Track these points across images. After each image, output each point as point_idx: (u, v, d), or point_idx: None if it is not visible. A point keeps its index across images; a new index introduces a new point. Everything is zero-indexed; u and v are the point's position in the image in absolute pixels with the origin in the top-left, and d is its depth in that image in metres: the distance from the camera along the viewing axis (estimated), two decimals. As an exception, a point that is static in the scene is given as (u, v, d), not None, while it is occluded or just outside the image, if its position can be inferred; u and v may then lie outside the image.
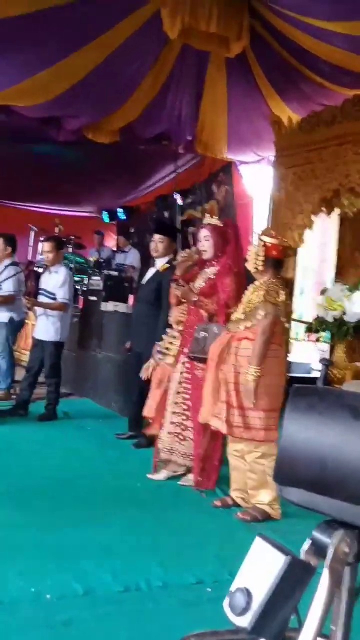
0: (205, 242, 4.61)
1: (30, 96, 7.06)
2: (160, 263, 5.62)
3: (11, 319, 7.21)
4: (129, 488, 4.55)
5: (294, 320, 6.74)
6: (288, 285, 5.30)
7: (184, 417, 4.61)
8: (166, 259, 5.59)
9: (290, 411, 1.03)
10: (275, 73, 6.94)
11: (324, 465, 0.96)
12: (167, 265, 5.12)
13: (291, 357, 5.68)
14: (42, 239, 8.76)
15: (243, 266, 4.45)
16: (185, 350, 4.61)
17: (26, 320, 8.51)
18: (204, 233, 4.65)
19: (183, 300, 4.71)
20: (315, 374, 7.43)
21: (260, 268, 4.09)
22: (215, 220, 4.73)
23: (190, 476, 4.61)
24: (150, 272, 5.77)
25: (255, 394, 3.95)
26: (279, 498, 3.95)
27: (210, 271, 4.62)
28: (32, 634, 2.51)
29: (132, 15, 6.22)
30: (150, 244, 5.65)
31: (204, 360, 4.39)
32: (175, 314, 4.88)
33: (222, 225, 4.70)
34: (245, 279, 4.54)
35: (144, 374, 5.09)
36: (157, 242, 5.54)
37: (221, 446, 4.50)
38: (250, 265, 4.16)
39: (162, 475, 4.76)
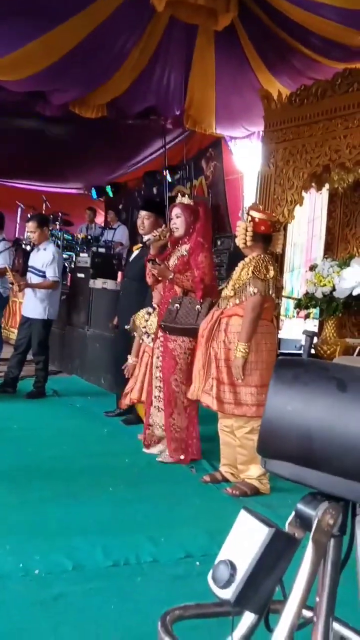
0: (177, 219, 4.69)
1: (17, 69, 6.95)
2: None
3: None
4: (118, 464, 4.56)
5: (284, 296, 6.73)
6: (278, 261, 5.29)
7: (160, 389, 4.67)
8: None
9: (275, 383, 1.01)
10: (265, 46, 6.86)
11: (309, 438, 0.95)
12: (140, 245, 5.15)
13: (281, 334, 5.67)
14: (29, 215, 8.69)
15: (212, 242, 4.54)
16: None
17: (14, 298, 8.45)
18: (175, 212, 4.72)
19: (159, 278, 4.76)
20: (305, 350, 7.42)
21: (249, 243, 4.07)
22: (186, 199, 4.81)
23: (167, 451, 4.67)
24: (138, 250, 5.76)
25: (244, 370, 3.95)
26: (268, 473, 3.96)
27: (183, 249, 4.70)
28: (21, 609, 2.52)
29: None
30: (137, 220, 5.64)
31: (173, 330, 4.54)
32: (156, 296, 4.95)
33: (192, 203, 4.76)
34: (211, 253, 4.62)
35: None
36: (144, 218, 5.54)
37: (195, 418, 4.59)
38: (239, 241, 4.14)
39: (156, 449, 4.80)
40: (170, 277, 4.62)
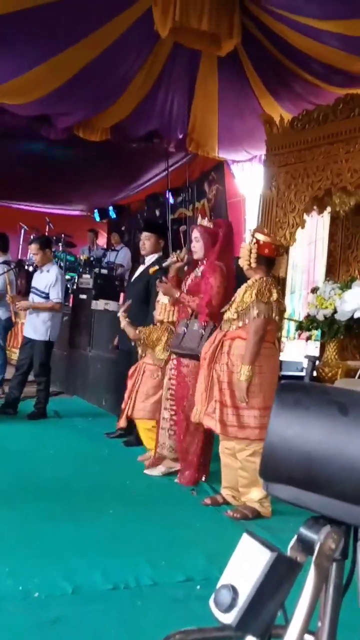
0: (196, 243, 4.68)
1: (22, 94, 7.03)
2: (149, 260, 5.64)
3: None
4: (119, 486, 4.54)
5: (286, 318, 6.74)
6: (280, 284, 5.30)
7: (172, 413, 4.66)
8: (155, 256, 5.62)
9: (277, 407, 1.02)
10: (267, 71, 6.93)
11: (310, 461, 0.96)
12: (157, 267, 5.17)
13: (283, 356, 5.68)
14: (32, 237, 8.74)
15: (232, 264, 4.51)
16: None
17: (17, 319, 8.48)
18: (194, 234, 4.72)
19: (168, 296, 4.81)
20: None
21: (252, 265, 4.09)
22: (206, 222, 4.78)
23: (162, 468, 4.70)
24: (139, 270, 5.78)
25: (248, 393, 3.95)
26: (269, 496, 3.94)
27: (200, 270, 4.70)
28: (20, 631, 2.50)
29: (124, 12, 6.20)
30: (139, 241, 5.69)
31: (181, 355, 4.56)
32: (157, 312, 5.00)
33: (213, 226, 4.74)
34: (234, 277, 4.59)
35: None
36: (145, 239, 5.59)
37: (203, 443, 4.57)
38: (243, 263, 4.16)
39: (156, 471, 4.79)
40: (176, 296, 4.62)
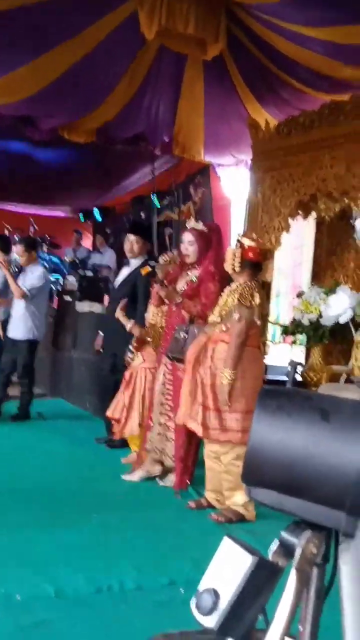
0: (190, 247, 4.61)
1: (6, 94, 7.00)
2: (136, 263, 5.63)
3: None
4: (103, 489, 4.54)
5: (270, 322, 6.76)
6: (265, 288, 5.32)
7: (167, 418, 4.63)
8: (141, 259, 5.61)
9: (259, 412, 1.03)
10: (253, 76, 6.96)
11: (292, 466, 0.97)
12: (149, 268, 5.15)
13: (268, 360, 5.69)
14: (17, 238, 8.71)
15: (223, 269, 4.48)
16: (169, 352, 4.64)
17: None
18: (188, 237, 4.64)
19: (166, 301, 4.73)
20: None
21: (237, 270, 4.11)
22: (200, 226, 4.71)
23: (172, 476, 4.62)
24: (125, 272, 5.77)
25: (230, 397, 3.96)
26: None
27: (193, 275, 4.63)
28: (2, 635, 2.49)
29: (109, 15, 6.19)
30: (125, 244, 5.66)
31: (182, 361, 4.42)
32: (150, 315, 4.94)
33: (207, 230, 4.69)
34: (227, 282, 4.58)
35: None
36: (133, 242, 5.56)
37: (196, 448, 4.53)
38: (227, 267, 4.17)
39: (136, 476, 4.76)
40: (179, 300, 4.56)
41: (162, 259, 4.83)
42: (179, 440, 4.52)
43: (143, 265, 5.50)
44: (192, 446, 4.53)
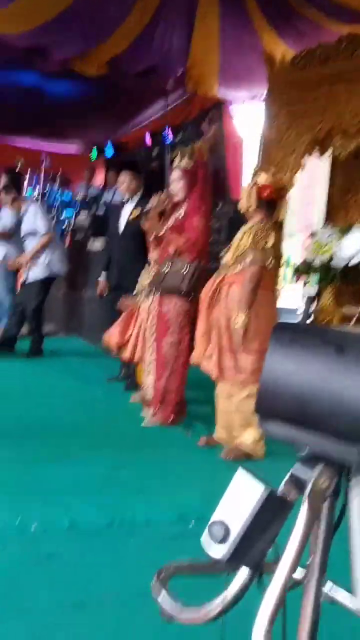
0: (177, 183, 4.66)
1: (17, 22, 6.82)
2: (136, 200, 5.64)
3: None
4: (116, 426, 4.59)
5: (285, 264, 6.70)
6: (278, 228, 5.23)
7: (151, 351, 4.69)
8: (138, 195, 5.64)
9: (273, 345, 1.01)
10: (271, 6, 6.73)
11: (305, 398, 0.96)
12: (137, 213, 5.15)
13: (280, 303, 5.65)
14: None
15: (211, 204, 4.59)
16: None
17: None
18: (174, 176, 4.70)
19: (151, 232, 4.78)
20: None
21: (252, 208, 4.04)
22: (185, 163, 4.72)
23: (149, 410, 4.70)
24: (129, 208, 5.75)
25: (244, 339, 3.95)
26: (263, 438, 3.99)
27: (182, 211, 4.67)
28: (15, 566, 2.55)
29: None
30: (120, 184, 5.67)
31: (160, 291, 4.54)
32: (154, 255, 4.94)
33: (192, 167, 4.70)
34: (210, 215, 4.67)
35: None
36: (126, 180, 5.59)
37: (179, 382, 4.60)
38: (242, 206, 4.11)
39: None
40: (161, 232, 4.62)
41: (150, 202, 4.80)
42: (159, 372, 4.60)
43: (136, 206, 5.52)
44: (173, 379, 4.57)
